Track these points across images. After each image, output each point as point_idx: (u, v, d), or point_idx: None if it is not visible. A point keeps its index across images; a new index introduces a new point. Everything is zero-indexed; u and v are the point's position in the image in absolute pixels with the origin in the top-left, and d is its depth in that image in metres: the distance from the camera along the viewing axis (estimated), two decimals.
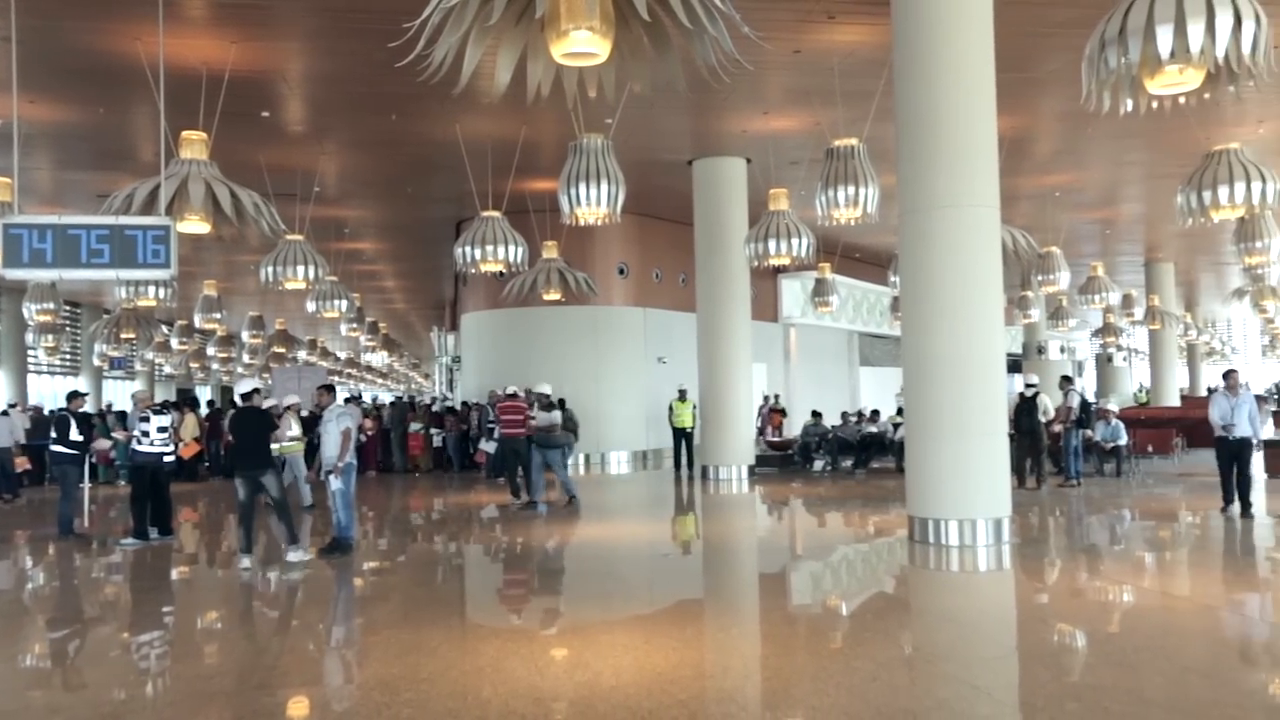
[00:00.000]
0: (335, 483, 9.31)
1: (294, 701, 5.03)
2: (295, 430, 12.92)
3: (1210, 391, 49.29)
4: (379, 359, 45.08)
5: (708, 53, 4.85)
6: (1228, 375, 11.10)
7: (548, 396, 13.02)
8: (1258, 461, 15.09)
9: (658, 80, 5.29)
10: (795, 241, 13.45)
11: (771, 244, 13.47)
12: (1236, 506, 10.55)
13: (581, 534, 11.37)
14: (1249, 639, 6.02)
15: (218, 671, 5.67)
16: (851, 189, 11.24)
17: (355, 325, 26.27)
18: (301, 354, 33.31)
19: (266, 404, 11.03)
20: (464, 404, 20.65)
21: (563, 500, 12.89)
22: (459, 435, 19.39)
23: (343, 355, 46.93)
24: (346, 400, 19.82)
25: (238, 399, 9.69)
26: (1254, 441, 10.79)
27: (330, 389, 10.27)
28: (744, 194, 16.53)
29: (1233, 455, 10.57)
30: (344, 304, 18.71)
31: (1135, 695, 4.67)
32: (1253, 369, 62.48)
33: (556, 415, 12.90)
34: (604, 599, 7.42)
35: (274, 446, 12.76)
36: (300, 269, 14.05)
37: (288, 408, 12.97)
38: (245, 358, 34.21)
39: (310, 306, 18.48)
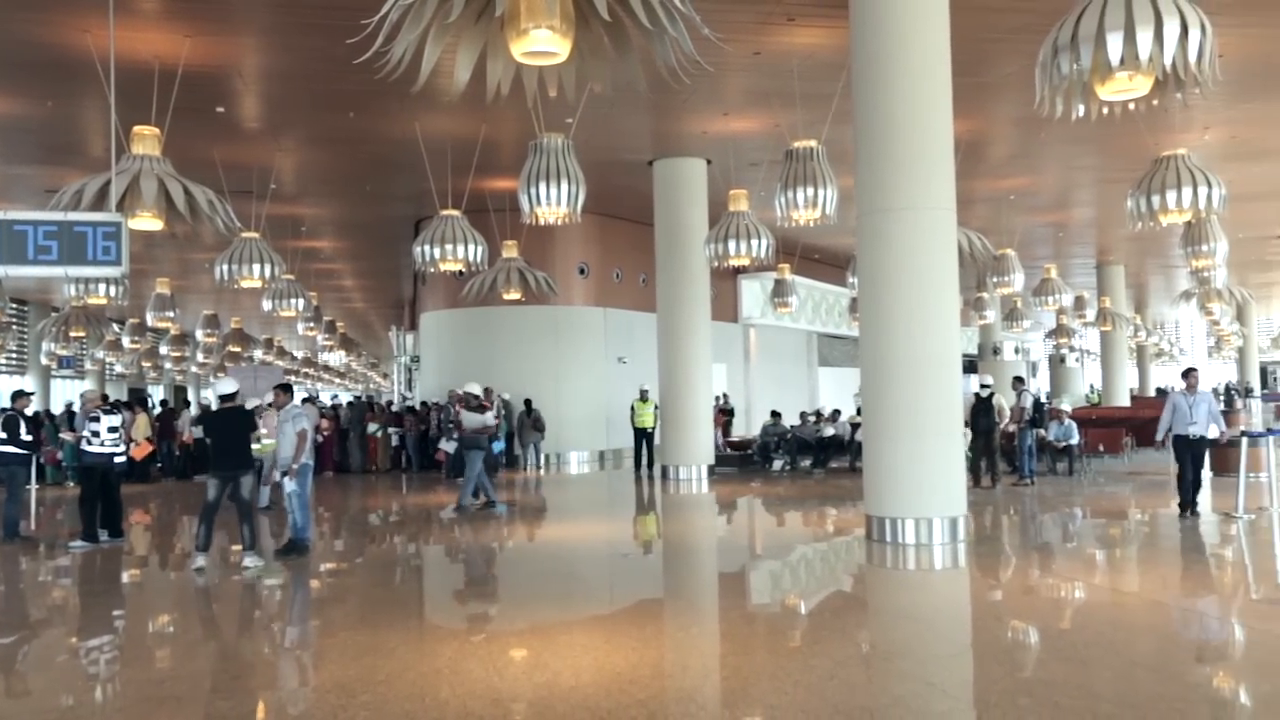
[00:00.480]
0: (291, 484, 9.21)
1: (248, 705, 4.96)
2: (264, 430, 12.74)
3: (1160, 392, 50.39)
4: (337, 358, 44.62)
5: (668, 53, 4.87)
6: (1187, 374, 11.04)
7: (477, 398, 12.71)
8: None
9: (618, 80, 5.30)
10: (755, 242, 13.53)
11: (731, 244, 13.54)
12: (1206, 506, 10.65)
13: (542, 534, 11.35)
14: (1194, 634, 6.15)
15: (169, 676, 5.58)
16: (810, 190, 11.34)
17: (312, 324, 25.93)
18: (258, 353, 32.85)
19: (250, 404, 10.91)
20: (423, 403, 20.51)
21: (479, 503, 12.49)
22: (418, 435, 19.25)
23: (300, 354, 46.37)
24: (304, 400, 19.61)
25: (215, 399, 9.53)
26: (1217, 439, 10.87)
27: (287, 389, 10.15)
28: (704, 195, 16.59)
29: (1191, 455, 10.48)
30: (301, 303, 18.50)
31: (1085, 690, 4.76)
32: (1200, 370, 63.92)
33: (487, 417, 12.60)
34: (564, 599, 7.41)
35: (253, 446, 12.86)
36: (256, 267, 13.87)
37: (270, 406, 12.85)
38: (200, 357, 33.69)
39: (266, 305, 18.25)
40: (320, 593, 8.14)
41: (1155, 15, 6.25)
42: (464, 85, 5.12)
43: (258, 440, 11.40)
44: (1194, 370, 11.11)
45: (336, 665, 5.49)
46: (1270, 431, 13.09)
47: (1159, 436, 10.94)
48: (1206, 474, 14.81)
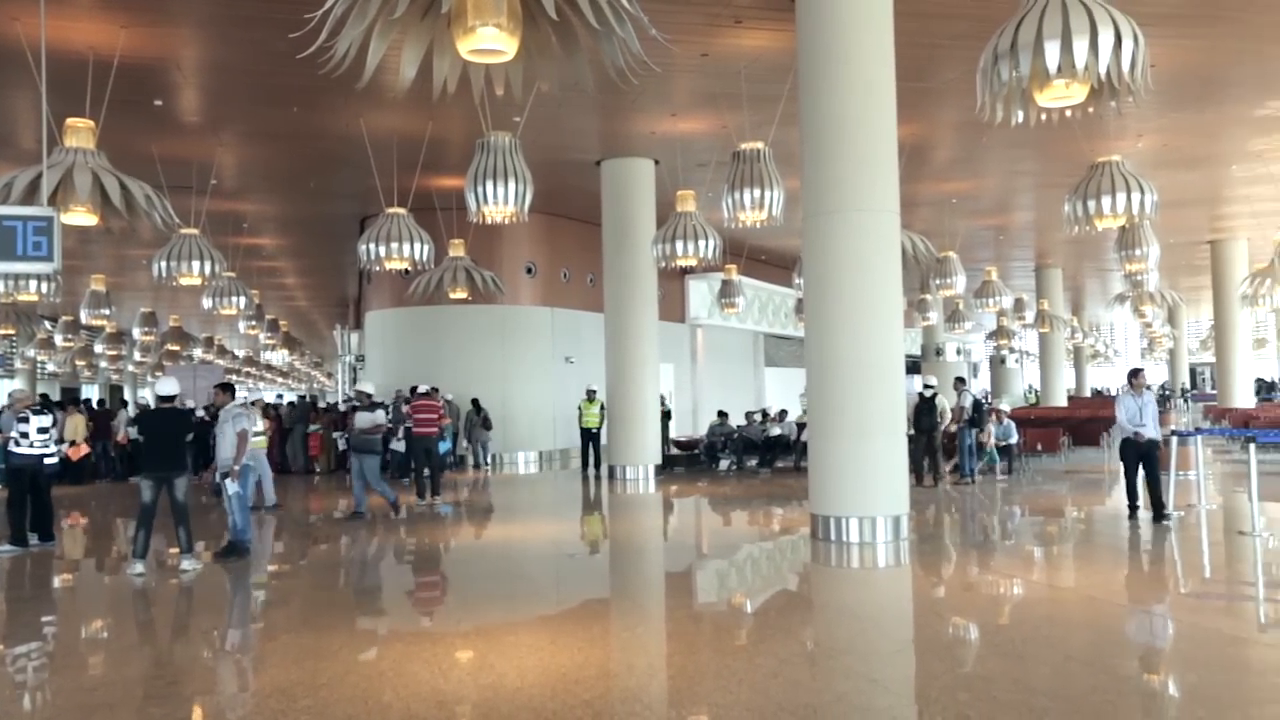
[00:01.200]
0: (232, 485, 9.04)
1: (183, 712, 4.86)
2: (259, 426, 12.82)
3: (1097, 393, 51.46)
4: (279, 357, 43.86)
5: (616, 54, 4.87)
6: (1134, 374, 10.74)
7: (369, 396, 12.27)
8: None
9: (566, 79, 5.29)
10: (702, 243, 13.60)
11: (679, 245, 13.58)
12: (1166, 512, 9.97)
13: (488, 534, 11.28)
14: (1126, 628, 6.32)
15: (102, 683, 5.44)
16: (757, 192, 11.43)
17: (254, 323, 25.46)
18: (197, 352, 32.18)
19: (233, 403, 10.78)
20: (253, 404, 20.11)
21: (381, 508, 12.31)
22: None
23: (241, 353, 45.54)
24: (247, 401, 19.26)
25: (154, 399, 9.33)
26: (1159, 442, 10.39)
27: (228, 388, 9.96)
28: (652, 195, 16.63)
29: (1140, 457, 10.10)
30: (242, 301, 18.14)
31: (1022, 684, 4.86)
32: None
33: (379, 415, 12.03)
34: (510, 600, 7.37)
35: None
36: (196, 264, 13.57)
37: (253, 404, 12.86)
38: (136, 355, 32.88)
39: (206, 303, 17.87)
40: (261, 595, 7.99)
41: (1090, 25, 6.43)
42: (410, 82, 5.07)
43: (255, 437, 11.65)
44: (1141, 370, 10.83)
45: (277, 669, 5.40)
46: (1198, 431, 13.47)
47: (1133, 435, 10.15)
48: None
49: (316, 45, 4.77)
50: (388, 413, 12.84)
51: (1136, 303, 26.37)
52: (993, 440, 15.29)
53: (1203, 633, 6.09)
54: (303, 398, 27.69)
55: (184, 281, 13.79)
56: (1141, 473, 10.21)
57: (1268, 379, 42.74)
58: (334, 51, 4.78)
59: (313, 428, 19.15)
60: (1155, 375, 59.12)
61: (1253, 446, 9.88)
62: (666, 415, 21.61)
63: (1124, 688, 4.92)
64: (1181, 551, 8.87)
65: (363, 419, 11.78)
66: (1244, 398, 26.47)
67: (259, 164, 16.54)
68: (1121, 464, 10.44)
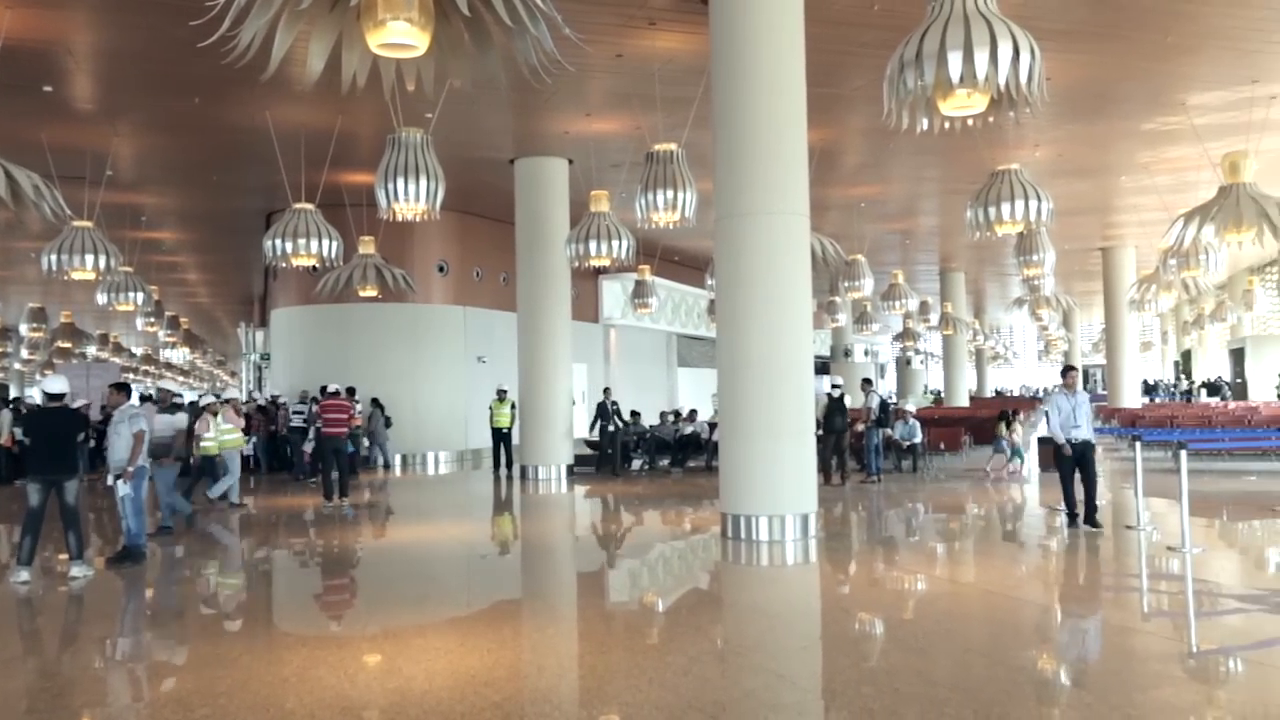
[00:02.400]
0: (124, 488, 8.70)
1: None
2: (229, 425, 12.91)
3: (999, 394, 52.94)
4: (180, 355, 42.40)
5: (529, 52, 4.84)
6: (1066, 372, 10.17)
7: (174, 395, 11.42)
8: (1039, 458, 16.42)
9: (478, 77, 5.24)
10: (616, 243, 13.62)
11: (592, 245, 13.58)
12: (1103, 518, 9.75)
13: (397, 536, 11.10)
14: (1022, 620, 6.55)
15: None
16: (670, 193, 11.50)
17: (153, 320, 24.54)
18: (91, 349, 30.87)
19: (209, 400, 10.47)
20: (271, 401, 19.69)
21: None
22: (267, 436, 18.50)
23: (139, 351, 43.86)
24: (142, 399, 18.58)
25: (41, 398, 8.89)
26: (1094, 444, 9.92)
27: (123, 387, 9.58)
28: (565, 194, 16.60)
29: (1076, 460, 9.62)
30: (140, 297, 17.46)
31: (924, 676, 5.01)
32: (1029, 372, 68.26)
33: (181, 419, 11.00)
34: (419, 602, 7.27)
35: (210, 443, 12.75)
36: (89, 258, 13.05)
37: (227, 401, 13.08)
38: (24, 353, 31.40)
39: (101, 299, 17.16)
40: (157, 602, 7.72)
41: (991, 38, 6.66)
42: (318, 75, 4.95)
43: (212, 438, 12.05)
44: (1073, 369, 10.26)
45: (173, 678, 5.22)
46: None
47: (1062, 441, 9.67)
48: (1035, 470, 15.84)
49: (218, 35, 4.62)
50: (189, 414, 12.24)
51: (1034, 306, 27.39)
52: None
53: (1092, 624, 6.37)
54: (203, 396, 26.81)
55: (76, 276, 13.25)
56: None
57: (1152, 380, 44.81)
58: (237, 41, 4.64)
59: None
60: (1050, 376, 61.53)
61: (1139, 445, 10.35)
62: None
63: (1018, 677, 5.10)
64: (1072, 546, 9.23)
65: (161, 423, 10.59)
66: (1131, 398, 27.73)
67: (158, 155, 15.96)
68: (1057, 470, 9.93)
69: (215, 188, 17.87)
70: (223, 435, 12.87)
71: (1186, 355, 46.44)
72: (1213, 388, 36.47)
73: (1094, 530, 9.46)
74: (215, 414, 12.97)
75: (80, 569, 8.18)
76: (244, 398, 28.47)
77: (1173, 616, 6.61)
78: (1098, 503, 9.72)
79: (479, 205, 19.45)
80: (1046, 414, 10.06)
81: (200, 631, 6.42)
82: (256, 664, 5.45)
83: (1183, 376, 46.14)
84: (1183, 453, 8.65)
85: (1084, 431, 9.67)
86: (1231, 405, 24.83)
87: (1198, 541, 8.67)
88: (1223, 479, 14.11)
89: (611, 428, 16.92)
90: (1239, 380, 37.41)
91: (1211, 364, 41.79)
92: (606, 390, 17.37)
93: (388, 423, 18.52)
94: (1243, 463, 15.87)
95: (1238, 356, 38.82)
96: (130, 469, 8.72)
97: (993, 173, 12.06)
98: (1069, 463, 9.68)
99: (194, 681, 5.08)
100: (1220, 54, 12.14)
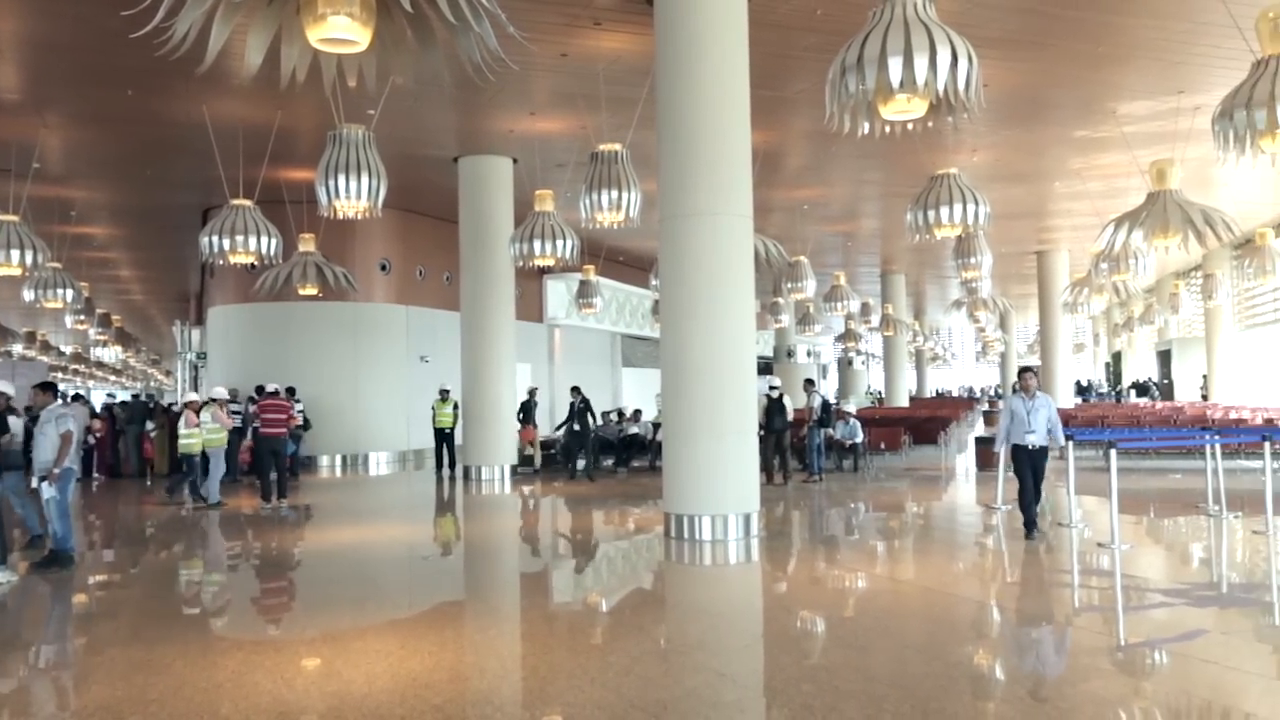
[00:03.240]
0: (49, 490, 8.44)
1: None
2: (215, 424, 12.97)
3: (939, 394, 53.77)
4: (112, 354, 41.33)
5: (473, 50, 4.81)
6: (1023, 373, 9.71)
7: (7, 397, 9.18)
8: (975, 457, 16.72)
9: (421, 74, 5.19)
10: (560, 243, 13.58)
11: (537, 244, 13.53)
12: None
13: (337, 538, 10.94)
14: (959, 617, 6.68)
15: None
16: (615, 193, 11.50)
17: (83, 317, 23.86)
18: (17, 348, 29.93)
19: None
20: (210, 402, 19.22)
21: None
22: None
23: (68, 349, 42.66)
24: (73, 398, 18.12)
25: None
26: (1052, 451, 9.55)
27: (49, 387, 9.30)
28: (510, 193, 16.51)
29: (1031, 468, 9.25)
30: (69, 293, 17.00)
31: (863, 673, 5.08)
32: (968, 373, 69.62)
33: (16, 424, 9.19)
34: (359, 605, 7.17)
35: (191, 441, 12.77)
36: (15, 253, 12.67)
37: (213, 400, 13.13)
38: None
39: (28, 295, 16.66)
40: (86, 608, 7.51)
41: (930, 44, 6.78)
42: (256, 69, 4.86)
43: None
44: (1031, 370, 9.81)
45: (103, 685, 5.08)
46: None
47: (997, 448, 9.59)
48: (972, 469, 16.14)
49: (152, 26, 4.50)
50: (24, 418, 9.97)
51: (972, 308, 27.96)
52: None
53: (1025, 619, 6.52)
54: (136, 396, 26.18)
55: (1, 271, 12.84)
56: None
57: (1084, 381, 45.96)
58: (172, 33, 4.53)
59: (149, 428, 18.13)
60: (988, 377, 62.84)
61: (1070, 444, 10.59)
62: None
63: (955, 673, 5.20)
64: (1008, 544, 9.43)
65: (15, 425, 9.24)
66: (1065, 398, 28.42)
67: (89, 148, 15.52)
68: (1015, 477, 9.48)
69: (149, 182, 17.44)
70: (207, 434, 12.99)
71: (1117, 357, 47.76)
72: (1141, 388, 37.53)
73: (1031, 538, 9.19)
74: (197, 411, 13.03)
75: (3, 575, 7.93)
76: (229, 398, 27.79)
77: (1102, 611, 6.79)
78: (1035, 514, 9.37)
79: (422, 203, 19.26)
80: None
81: (131, 637, 6.25)
82: (190, 669, 5.33)
83: (1113, 377, 47.47)
84: (1112, 452, 8.88)
85: (1040, 437, 9.26)
86: (1159, 405, 25.59)
87: (1126, 538, 8.92)
88: (1150, 477, 14.53)
89: (578, 427, 15.99)
90: (1166, 381, 38.57)
91: (1140, 365, 43.02)
92: (576, 389, 16.45)
93: (306, 424, 18.01)
94: (1169, 461, 16.36)
95: (1165, 358, 40.04)
96: (56, 470, 8.47)
97: (932, 177, 12.27)
98: (1028, 468, 9.25)
99: (124, 689, 4.95)
100: (1148, 65, 12.50)
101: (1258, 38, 8.40)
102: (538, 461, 17.36)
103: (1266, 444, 9.57)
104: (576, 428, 16.05)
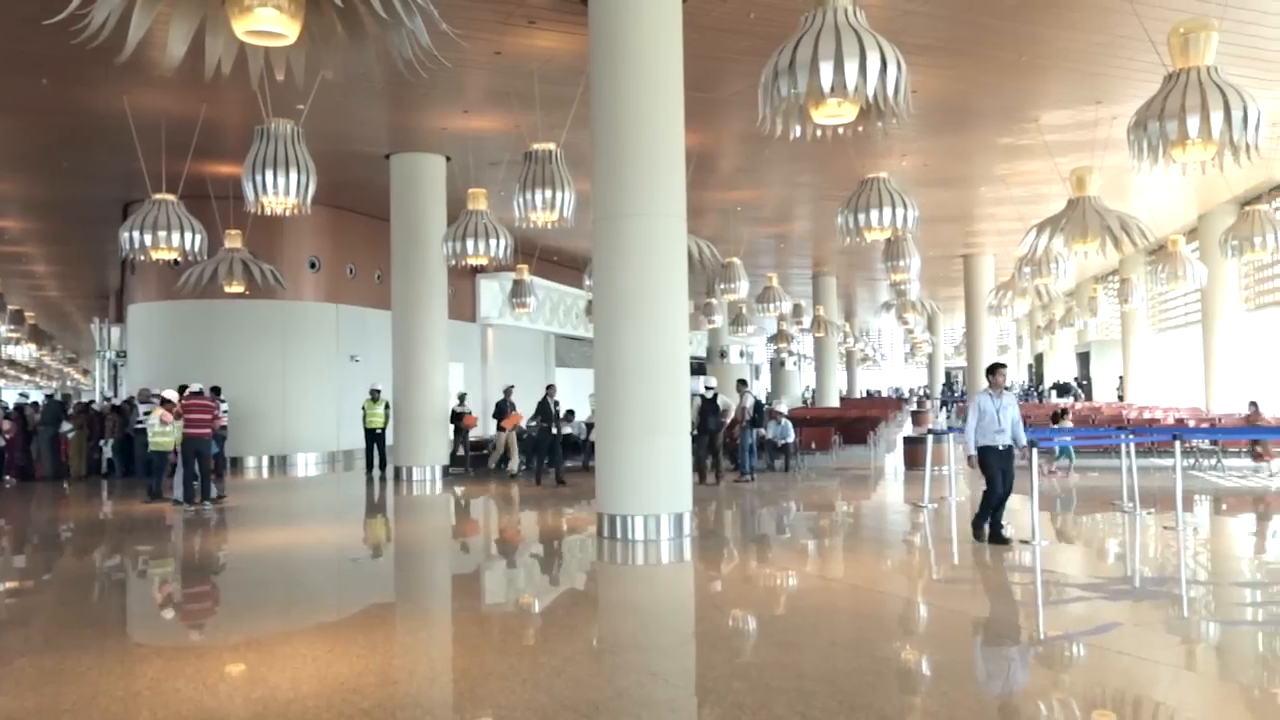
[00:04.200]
0: None
1: None
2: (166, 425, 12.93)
3: (870, 394, 54.55)
4: (25, 352, 39.85)
5: (404, 46, 4.75)
6: (994, 369, 9.15)
7: None
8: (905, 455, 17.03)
9: (352, 69, 5.11)
10: (493, 242, 13.50)
11: (470, 243, 13.43)
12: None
13: (263, 540, 10.71)
14: (885, 613, 6.80)
15: None
16: (549, 193, 11.47)
17: None
18: None
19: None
20: (127, 401, 18.71)
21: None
22: (121, 437, 17.58)
23: None
24: None
25: None
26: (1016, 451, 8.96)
27: None
28: (443, 192, 16.35)
29: (1002, 469, 8.73)
30: None
31: (793, 670, 5.14)
32: (897, 374, 70.91)
33: None
34: (285, 608, 7.03)
35: (164, 439, 12.77)
36: None
37: (163, 401, 13.09)
38: None
39: None
40: None
41: (860, 49, 6.90)
42: (179, 61, 4.73)
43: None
44: (1001, 366, 9.24)
45: (10, 696, 4.90)
46: (950, 430, 14.70)
47: (970, 451, 8.85)
48: (900, 468, 16.44)
49: (68, 12, 4.36)
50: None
51: (900, 310, 28.46)
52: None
53: (950, 615, 6.66)
54: (51, 396, 25.32)
55: None
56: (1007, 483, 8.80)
57: (1009, 382, 47.13)
58: (90, 20, 4.39)
59: (65, 429, 17.54)
60: (916, 378, 64.08)
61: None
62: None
63: (882, 668, 5.29)
64: (935, 541, 9.64)
65: None
66: None
67: (1, 139, 14.94)
68: (984, 480, 8.87)
69: (66, 175, 16.86)
70: (157, 435, 13.02)
71: (1039, 358, 49.11)
72: (1063, 388, 38.65)
73: (985, 544, 8.79)
74: (172, 409, 12.97)
75: None
76: (98, 398, 26.96)
77: (1023, 605, 6.99)
78: (1001, 517, 8.92)
79: (353, 200, 18.95)
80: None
81: (43, 644, 6.04)
82: (106, 678, 5.17)
83: (1035, 378, 48.78)
84: (1034, 451, 9.13)
85: (1006, 438, 8.76)
86: (1078, 405, 26.37)
87: (1046, 535, 9.18)
88: (1069, 475, 14.98)
89: (555, 430, 15.36)
90: (1085, 382, 39.78)
91: (1062, 366, 44.31)
92: (550, 388, 15.94)
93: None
94: (1087, 460, 16.88)
95: (1084, 360, 41.31)
96: None
97: (862, 180, 12.48)
98: (996, 469, 8.71)
99: (34, 699, 4.79)
100: (1067, 75, 12.88)
101: (1169, 52, 8.71)
102: (514, 466, 16.65)
103: (1177, 443, 9.93)
104: (554, 430, 15.43)
